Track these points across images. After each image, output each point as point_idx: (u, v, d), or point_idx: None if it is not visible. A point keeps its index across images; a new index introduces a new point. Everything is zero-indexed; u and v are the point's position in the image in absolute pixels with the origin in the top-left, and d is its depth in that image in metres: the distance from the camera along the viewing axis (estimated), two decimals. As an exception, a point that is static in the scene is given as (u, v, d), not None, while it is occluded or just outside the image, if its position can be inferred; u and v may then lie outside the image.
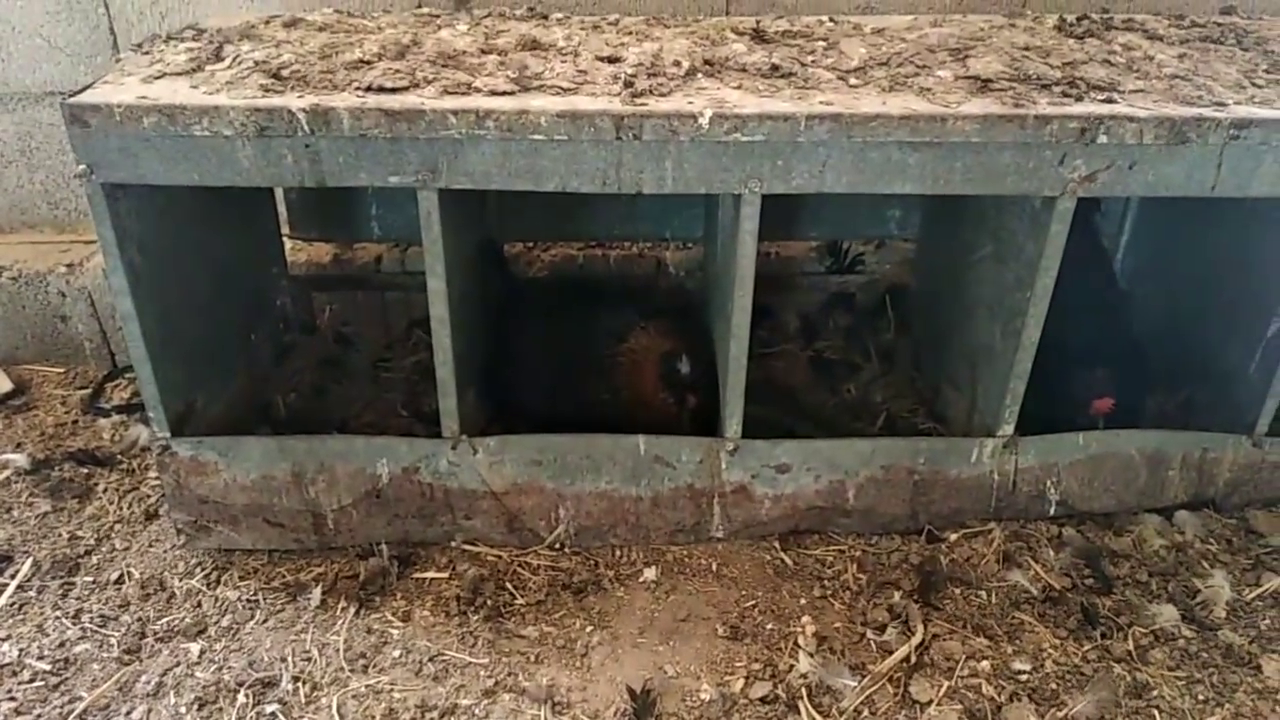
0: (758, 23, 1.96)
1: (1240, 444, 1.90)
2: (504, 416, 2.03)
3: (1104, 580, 1.80)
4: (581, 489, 1.85)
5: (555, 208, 2.32)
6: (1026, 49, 1.81)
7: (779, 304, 2.49)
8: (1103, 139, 1.56)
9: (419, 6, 2.20)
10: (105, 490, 2.06)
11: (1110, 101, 1.60)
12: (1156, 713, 1.56)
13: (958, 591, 1.80)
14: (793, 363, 2.41)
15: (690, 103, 1.56)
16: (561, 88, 1.61)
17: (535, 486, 1.84)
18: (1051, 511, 1.93)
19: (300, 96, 1.54)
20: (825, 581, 1.83)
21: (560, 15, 2.05)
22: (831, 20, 2.05)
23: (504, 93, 1.58)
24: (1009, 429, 1.84)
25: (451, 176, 1.57)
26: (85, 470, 2.11)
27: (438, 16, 2.00)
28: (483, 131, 1.52)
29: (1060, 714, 1.56)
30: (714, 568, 1.85)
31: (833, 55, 1.78)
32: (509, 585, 1.80)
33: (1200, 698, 1.60)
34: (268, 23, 1.92)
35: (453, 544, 1.88)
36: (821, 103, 1.57)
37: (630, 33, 1.92)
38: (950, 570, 1.84)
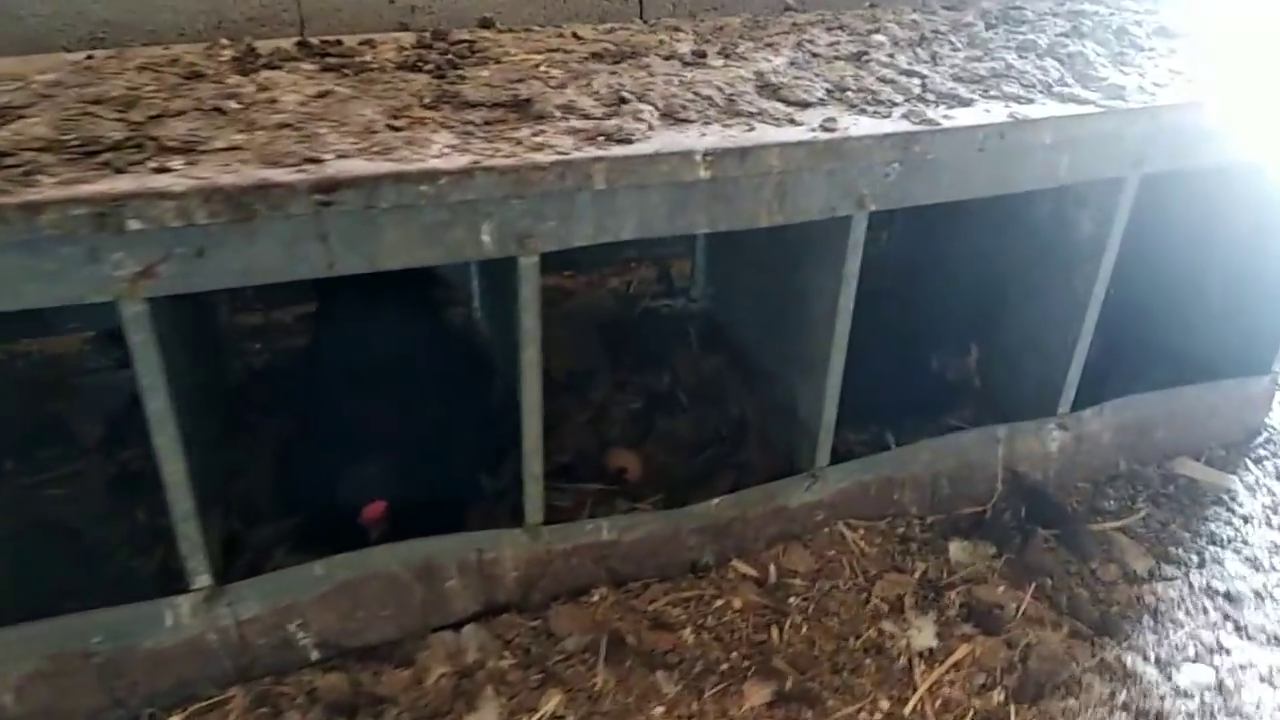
0: None
1: (517, 538, 1.61)
2: None
3: (341, 749, 1.46)
4: None
5: None
6: (102, 101, 1.38)
7: (70, 413, 1.99)
8: (135, 225, 1.16)
9: None
10: None
11: (165, 170, 1.21)
12: None
13: (165, 798, 1.40)
14: (85, 486, 1.92)
15: None
16: None
17: None
18: (314, 657, 1.57)
19: None
20: (-23, 826, 1.37)
21: None
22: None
23: None
24: (205, 580, 1.44)
25: None
26: None
27: None
28: None
29: None
30: None
31: None
32: None
33: None
34: None
35: None
36: None
37: None
38: (163, 769, 1.43)
